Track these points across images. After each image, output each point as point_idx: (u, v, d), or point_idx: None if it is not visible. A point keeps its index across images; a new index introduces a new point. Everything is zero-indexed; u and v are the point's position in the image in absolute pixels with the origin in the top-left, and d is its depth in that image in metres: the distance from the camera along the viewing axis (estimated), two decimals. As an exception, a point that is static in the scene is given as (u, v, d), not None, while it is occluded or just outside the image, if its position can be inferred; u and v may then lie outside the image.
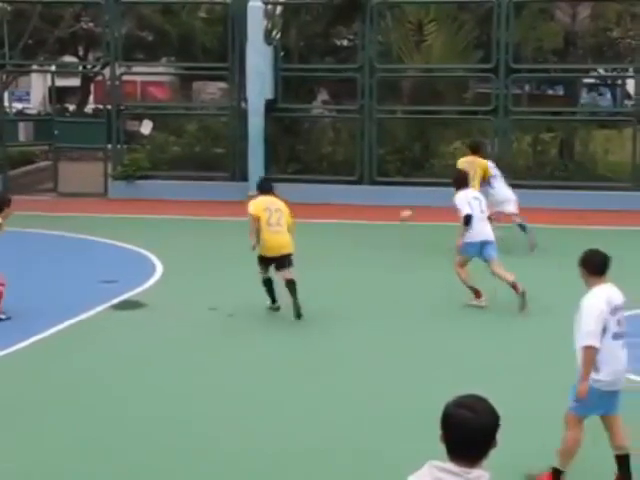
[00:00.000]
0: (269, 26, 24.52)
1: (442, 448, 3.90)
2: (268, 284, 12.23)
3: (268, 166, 22.07)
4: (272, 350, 10.84)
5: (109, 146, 23.12)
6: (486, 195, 14.28)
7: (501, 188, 16.22)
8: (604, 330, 6.88)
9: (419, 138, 23.48)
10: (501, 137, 22.34)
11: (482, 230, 12.59)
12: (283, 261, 12.00)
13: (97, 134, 22.94)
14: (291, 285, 11.91)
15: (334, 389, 9.42)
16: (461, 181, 13.02)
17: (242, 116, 22.31)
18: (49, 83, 30.56)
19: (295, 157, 23.22)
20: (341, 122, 24.82)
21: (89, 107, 35.99)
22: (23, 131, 28.21)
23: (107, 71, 24.00)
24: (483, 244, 12.57)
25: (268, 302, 12.38)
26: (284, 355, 10.67)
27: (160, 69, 31.55)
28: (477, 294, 12.63)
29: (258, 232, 11.96)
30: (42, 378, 9.87)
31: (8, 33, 24.82)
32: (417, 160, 23.10)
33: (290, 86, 22.95)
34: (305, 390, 9.44)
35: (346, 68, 24.30)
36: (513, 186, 16.90)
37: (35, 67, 30.50)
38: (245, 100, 22.22)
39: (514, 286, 12.26)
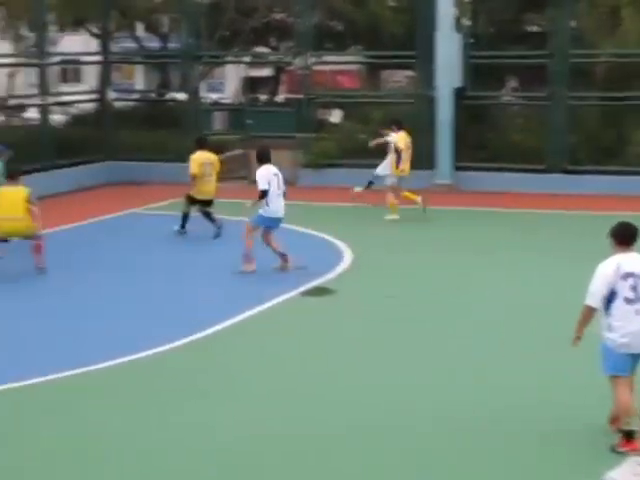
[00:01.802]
0: (458, 13, 24.37)
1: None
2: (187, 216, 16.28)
3: (456, 154, 22.04)
4: (453, 340, 10.91)
5: (299, 135, 23.59)
6: None
7: None
8: (614, 294, 7.61)
9: (612, 125, 22.85)
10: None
11: (278, 208, 13.73)
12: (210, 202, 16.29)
13: (287, 123, 23.46)
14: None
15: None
16: (263, 156, 13.96)
17: (429, 104, 22.33)
18: (243, 73, 31.48)
19: (483, 145, 23.04)
20: (530, 109, 24.47)
21: (280, 96, 36.73)
22: (218, 120, 29.15)
23: (298, 61, 24.50)
24: (278, 220, 13.83)
25: (177, 227, 16.09)
26: (467, 348, 10.72)
27: (349, 58, 31.90)
28: (250, 262, 13.75)
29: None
30: (233, 360, 10.29)
31: (205, 25, 25.64)
32: (610, 148, 22.49)
33: (479, 74, 22.78)
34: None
35: (537, 54, 23.89)
36: None
37: (229, 58, 31.36)
38: (433, 88, 22.23)
39: (283, 256, 13.78)
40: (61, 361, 10.04)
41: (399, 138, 18.40)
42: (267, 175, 13.74)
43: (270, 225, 13.98)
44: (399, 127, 18.67)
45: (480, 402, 8.88)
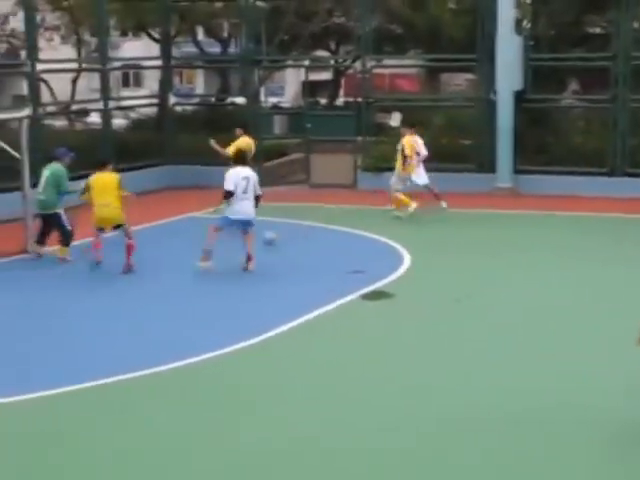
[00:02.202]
0: (519, 15, 24.19)
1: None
2: None
3: (516, 158, 21.90)
4: (514, 337, 10.83)
5: (359, 138, 23.61)
6: None
7: None
8: None
9: (677, 128, 22.52)
10: None
11: (241, 209, 14.04)
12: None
13: (347, 127, 23.49)
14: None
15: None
16: (237, 159, 14.56)
17: (490, 107, 22.22)
18: (302, 77, 31.51)
19: (544, 148, 22.86)
20: (592, 112, 24.22)
21: (339, 100, 36.79)
22: (277, 124, 29.26)
23: (357, 64, 24.51)
24: (240, 222, 14.17)
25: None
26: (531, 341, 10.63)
27: (408, 61, 31.85)
28: (208, 256, 14.07)
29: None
30: (289, 364, 10.33)
31: (264, 30, 25.77)
32: (674, 151, 22.18)
33: (539, 76, 22.60)
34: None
35: (598, 57, 23.63)
36: None
37: (289, 62, 31.48)
38: (494, 91, 22.10)
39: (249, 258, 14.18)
40: (129, 362, 10.17)
41: (407, 144, 18.84)
42: (235, 177, 14.13)
43: (232, 225, 14.28)
44: (412, 129, 19.27)
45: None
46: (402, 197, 18.93)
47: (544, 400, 8.95)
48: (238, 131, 18.64)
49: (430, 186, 19.36)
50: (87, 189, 14.60)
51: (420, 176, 19.22)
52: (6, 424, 8.68)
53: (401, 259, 15.08)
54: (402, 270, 14.43)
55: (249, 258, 14.34)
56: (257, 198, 14.39)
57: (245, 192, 14.14)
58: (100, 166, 14.80)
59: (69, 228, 15.40)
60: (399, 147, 19.04)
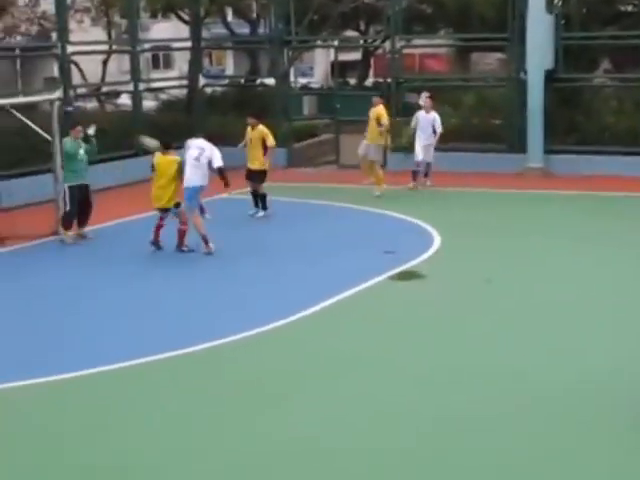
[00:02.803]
0: (550, -6, 23.99)
1: None
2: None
3: (547, 137, 21.75)
4: (548, 321, 10.80)
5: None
6: None
7: None
8: None
9: None
10: None
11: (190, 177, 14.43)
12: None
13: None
14: None
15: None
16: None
17: (520, 87, 22.07)
18: (332, 58, 31.48)
19: (575, 128, 22.68)
20: (624, 91, 24.00)
21: (369, 80, 36.69)
22: (307, 105, 29.22)
23: (387, 44, 24.42)
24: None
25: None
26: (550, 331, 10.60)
27: (438, 41, 31.69)
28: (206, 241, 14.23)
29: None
30: (320, 345, 10.35)
31: (294, 10, 25.68)
32: None
33: (571, 55, 22.42)
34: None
35: (631, 35, 23.40)
36: None
37: (319, 43, 31.40)
38: (524, 71, 21.95)
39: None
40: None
41: (383, 113, 19.43)
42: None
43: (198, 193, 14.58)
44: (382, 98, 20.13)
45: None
46: (381, 172, 19.22)
47: (586, 383, 8.94)
48: (251, 119, 17.55)
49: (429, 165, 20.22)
50: (153, 168, 14.80)
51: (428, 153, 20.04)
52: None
53: (431, 239, 15.06)
54: (432, 250, 14.42)
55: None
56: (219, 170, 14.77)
57: (197, 159, 14.56)
58: (164, 148, 14.82)
59: (67, 208, 15.41)
60: (371, 116, 19.33)
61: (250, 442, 7.74)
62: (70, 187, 15.42)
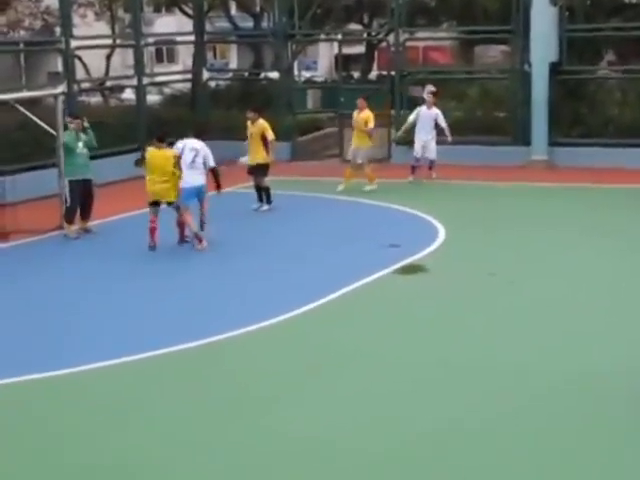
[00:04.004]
0: (554, -14, 23.95)
1: None
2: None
3: (551, 130, 21.72)
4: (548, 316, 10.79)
5: (392, 112, 23.51)
6: None
7: None
8: None
9: None
10: None
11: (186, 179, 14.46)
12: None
13: (380, 100, 23.37)
14: None
15: None
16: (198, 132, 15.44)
17: (525, 79, 22.04)
18: (335, 51, 31.44)
19: (580, 120, 22.65)
20: (629, 83, 23.95)
21: (373, 74, 36.65)
22: (311, 99, 29.17)
23: (391, 37, 24.38)
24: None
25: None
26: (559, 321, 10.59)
27: (442, 34, 31.63)
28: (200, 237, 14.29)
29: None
30: (324, 339, 10.33)
31: (297, 4, 25.65)
32: None
33: (575, 47, 22.38)
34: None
35: (635, 27, 23.34)
36: None
37: (322, 36, 31.35)
38: (528, 63, 21.92)
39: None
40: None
41: (370, 117, 19.20)
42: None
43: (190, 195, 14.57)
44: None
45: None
46: (369, 170, 19.17)
47: (589, 377, 8.93)
48: (250, 114, 17.32)
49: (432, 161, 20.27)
50: (141, 163, 14.75)
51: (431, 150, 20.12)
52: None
53: (436, 233, 15.05)
54: (437, 244, 14.40)
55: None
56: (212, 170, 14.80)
57: (193, 162, 14.51)
58: (158, 140, 14.66)
59: (69, 203, 15.43)
60: (357, 120, 19.22)
61: (252, 439, 7.71)
62: (71, 181, 15.43)
